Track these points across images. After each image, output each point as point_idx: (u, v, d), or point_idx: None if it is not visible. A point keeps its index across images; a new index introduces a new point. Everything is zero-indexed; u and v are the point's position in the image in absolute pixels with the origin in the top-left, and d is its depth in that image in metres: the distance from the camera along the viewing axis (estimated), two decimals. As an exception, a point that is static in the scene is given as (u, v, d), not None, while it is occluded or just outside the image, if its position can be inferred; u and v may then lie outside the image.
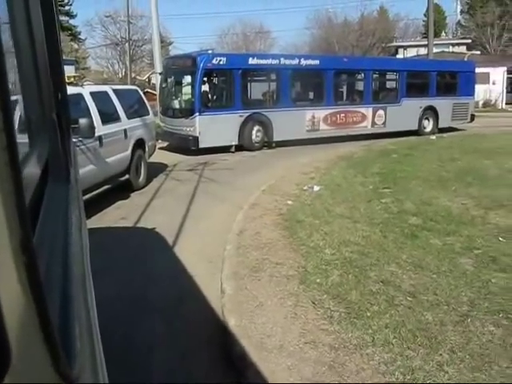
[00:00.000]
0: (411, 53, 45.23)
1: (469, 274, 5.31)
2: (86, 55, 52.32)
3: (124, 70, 48.34)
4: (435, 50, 43.70)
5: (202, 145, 15.18)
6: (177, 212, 8.69)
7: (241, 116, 15.92)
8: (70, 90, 8.51)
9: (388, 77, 20.95)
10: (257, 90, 17.29)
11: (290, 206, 8.38)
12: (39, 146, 1.51)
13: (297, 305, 4.69)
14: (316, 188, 9.57)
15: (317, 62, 17.84)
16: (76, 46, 49.85)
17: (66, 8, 49.65)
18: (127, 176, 10.09)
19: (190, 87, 16.08)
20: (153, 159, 12.39)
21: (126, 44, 44.52)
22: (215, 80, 16.38)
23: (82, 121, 7.64)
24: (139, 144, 10.59)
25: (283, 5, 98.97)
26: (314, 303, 4.70)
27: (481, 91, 33.93)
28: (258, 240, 6.68)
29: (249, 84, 16.93)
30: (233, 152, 15.85)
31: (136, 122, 10.57)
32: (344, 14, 58.20)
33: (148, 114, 11.46)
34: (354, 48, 50.84)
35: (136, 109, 10.98)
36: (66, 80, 9.18)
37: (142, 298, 5.26)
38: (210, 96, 16.09)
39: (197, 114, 15.19)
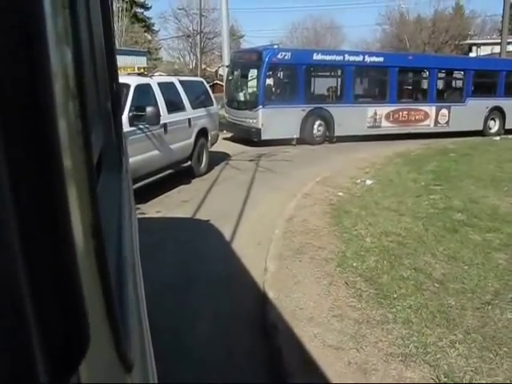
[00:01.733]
0: (485, 51, 43.99)
1: (501, 267, 5.58)
2: (158, 46, 53.75)
3: (195, 62, 49.45)
4: (510, 48, 42.46)
5: (264, 136, 15.68)
6: (234, 198, 9.22)
7: (303, 110, 16.31)
8: (140, 80, 9.24)
9: (453, 75, 20.70)
10: (320, 85, 17.55)
11: (340, 198, 8.77)
12: (95, 134, 1.44)
13: (331, 284, 5.12)
14: (368, 182, 9.90)
15: (381, 59, 17.94)
16: (149, 37, 51.34)
17: (142, 0, 51.30)
18: (189, 162, 10.71)
19: (254, 80, 16.60)
20: (216, 149, 13.02)
21: (198, 36, 45.65)
22: (279, 74, 16.81)
23: (149, 109, 8.28)
24: (202, 133, 11.19)
25: (355, 0, 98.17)
26: (347, 283, 5.12)
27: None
28: (304, 226, 7.13)
29: (312, 79, 17.19)
30: (294, 145, 16.24)
31: (200, 111, 11.16)
32: (417, 10, 56.91)
33: (212, 105, 12.05)
34: (425, 45, 49.97)
35: (201, 99, 11.57)
36: (136, 71, 9.93)
37: (195, 271, 5.82)
38: (273, 89, 16.56)
39: (260, 106, 15.71)
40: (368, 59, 17.65)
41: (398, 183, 9.98)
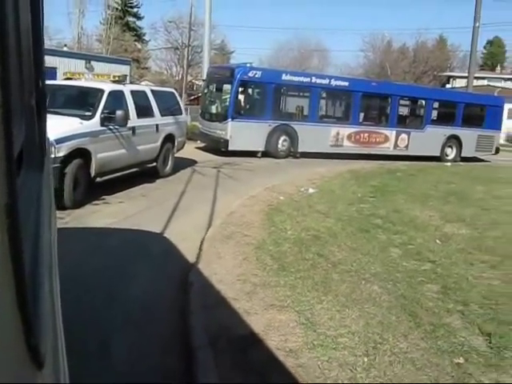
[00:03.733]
0: (460, 83, 45.96)
1: (390, 258, 6.83)
2: (147, 56, 55.27)
3: (181, 74, 50.77)
4: (485, 83, 44.52)
5: (231, 147, 16.98)
6: (192, 197, 10.43)
7: (269, 125, 17.65)
8: (114, 86, 10.45)
9: (415, 103, 22.20)
10: (287, 103, 18.94)
11: (280, 201, 10.02)
12: (15, 130, 1.29)
13: (245, 259, 6.35)
14: (311, 190, 11.17)
15: (346, 83, 19.40)
16: (139, 46, 52.80)
17: (135, 10, 52.98)
18: (155, 164, 11.91)
19: (226, 95, 17.98)
20: (186, 156, 14.39)
21: (186, 49, 47.03)
22: (249, 91, 18.21)
23: (118, 112, 9.49)
24: (169, 138, 12.41)
25: (340, 25, 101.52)
26: (258, 260, 6.35)
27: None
28: (240, 220, 8.36)
29: (280, 97, 18.55)
30: (259, 157, 17.55)
31: (168, 119, 12.40)
32: (399, 39, 58.82)
33: (181, 114, 13.33)
34: (405, 74, 51.82)
35: (171, 109, 12.80)
36: (112, 78, 11.10)
37: (143, 246, 7.03)
38: (243, 104, 17.88)
39: (229, 119, 17.05)
40: (334, 83, 19.08)
41: (338, 193, 11.27)
